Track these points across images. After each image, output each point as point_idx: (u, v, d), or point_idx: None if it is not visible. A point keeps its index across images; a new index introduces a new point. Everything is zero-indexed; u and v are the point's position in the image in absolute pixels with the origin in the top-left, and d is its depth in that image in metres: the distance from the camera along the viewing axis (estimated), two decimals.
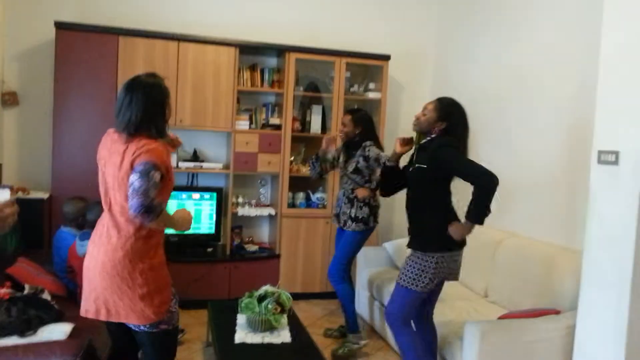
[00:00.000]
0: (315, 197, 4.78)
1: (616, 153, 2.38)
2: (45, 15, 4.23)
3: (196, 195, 4.50)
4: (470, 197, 2.60)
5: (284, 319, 3.14)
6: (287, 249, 4.64)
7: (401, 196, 3.06)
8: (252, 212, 4.66)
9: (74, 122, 4.07)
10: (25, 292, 2.87)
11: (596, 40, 2.56)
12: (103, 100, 4.06)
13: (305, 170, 4.73)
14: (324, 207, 4.72)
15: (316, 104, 4.80)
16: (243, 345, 2.91)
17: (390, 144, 3.49)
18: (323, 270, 4.51)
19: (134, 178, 2.01)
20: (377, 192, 3.55)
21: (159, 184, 2.04)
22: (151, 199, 1.99)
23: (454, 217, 2.78)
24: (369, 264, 4.25)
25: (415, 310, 2.86)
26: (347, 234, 3.67)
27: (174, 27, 4.39)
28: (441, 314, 3.15)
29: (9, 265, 3.11)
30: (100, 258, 2.13)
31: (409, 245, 2.85)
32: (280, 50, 4.57)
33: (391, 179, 3.07)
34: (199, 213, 4.46)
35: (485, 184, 2.54)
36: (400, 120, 5.13)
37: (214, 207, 4.51)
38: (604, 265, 2.45)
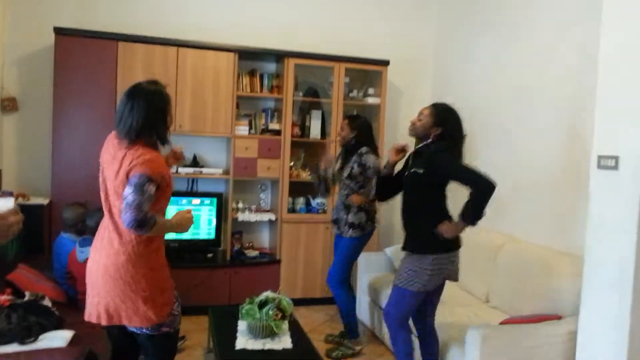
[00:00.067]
0: (316, 202, 4.78)
1: (616, 158, 2.39)
2: (44, 21, 4.23)
3: (196, 201, 4.49)
4: (465, 200, 2.61)
5: (285, 325, 3.14)
6: (287, 254, 4.63)
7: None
8: (252, 218, 4.65)
9: (74, 128, 4.07)
10: (26, 298, 2.86)
11: (596, 41, 2.57)
12: (102, 106, 4.06)
13: (305, 175, 4.74)
14: (324, 212, 4.72)
15: (315, 109, 4.80)
16: (244, 351, 2.91)
17: (389, 148, 3.49)
18: (323, 276, 4.49)
19: (128, 191, 2.03)
20: (374, 197, 3.54)
21: (153, 196, 2.07)
22: (144, 213, 2.02)
23: (450, 221, 2.79)
24: (369, 269, 4.24)
25: (413, 311, 2.87)
26: (344, 240, 3.68)
27: (173, 33, 4.39)
28: (442, 319, 3.14)
29: (9, 272, 3.11)
30: (102, 261, 2.15)
31: (404, 248, 2.86)
32: (280, 56, 4.58)
33: (387, 186, 3.09)
34: (199, 218, 4.46)
35: (483, 188, 2.57)
36: (399, 125, 5.13)
37: (214, 213, 4.50)
38: (605, 270, 2.45)
